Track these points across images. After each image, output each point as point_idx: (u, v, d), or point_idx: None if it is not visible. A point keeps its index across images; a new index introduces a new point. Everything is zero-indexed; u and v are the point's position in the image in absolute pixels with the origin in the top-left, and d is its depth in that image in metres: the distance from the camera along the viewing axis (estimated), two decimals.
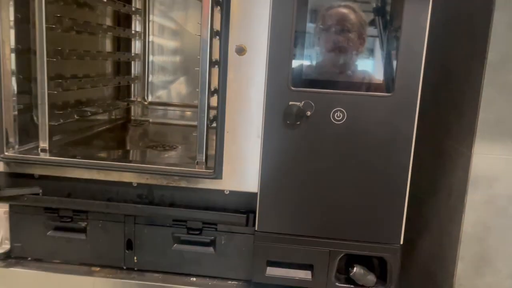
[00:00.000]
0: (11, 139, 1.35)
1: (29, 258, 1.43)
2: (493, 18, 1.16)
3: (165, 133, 2.09)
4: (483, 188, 1.24)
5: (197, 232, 1.34)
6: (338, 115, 1.18)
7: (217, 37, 1.23)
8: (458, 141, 1.33)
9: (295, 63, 1.18)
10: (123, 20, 2.05)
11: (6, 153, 1.32)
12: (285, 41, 1.16)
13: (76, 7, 1.67)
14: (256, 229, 1.27)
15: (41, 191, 1.36)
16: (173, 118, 2.16)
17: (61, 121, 1.51)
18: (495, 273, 1.27)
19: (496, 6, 1.15)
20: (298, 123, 1.19)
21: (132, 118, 2.19)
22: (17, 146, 1.37)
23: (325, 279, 1.27)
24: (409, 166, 1.19)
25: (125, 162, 1.37)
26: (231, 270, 1.35)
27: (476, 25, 1.26)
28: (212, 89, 1.29)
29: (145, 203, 1.34)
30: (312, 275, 1.27)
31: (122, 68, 2.10)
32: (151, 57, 2.15)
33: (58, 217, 1.39)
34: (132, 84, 2.17)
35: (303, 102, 1.18)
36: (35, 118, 1.42)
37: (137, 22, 2.12)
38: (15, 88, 1.34)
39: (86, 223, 1.38)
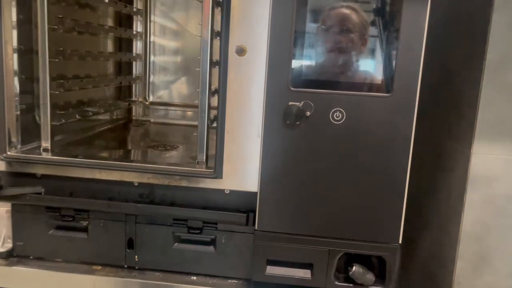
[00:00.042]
0: (14, 139, 1.35)
1: (31, 257, 1.43)
2: (492, 19, 1.16)
3: (166, 133, 2.09)
4: (482, 188, 1.24)
5: (198, 231, 1.35)
6: (337, 115, 1.18)
7: (218, 37, 1.24)
8: (457, 141, 1.33)
9: (295, 64, 1.19)
10: (124, 21, 2.06)
11: (8, 153, 1.33)
12: (284, 42, 1.17)
13: (78, 8, 1.68)
14: (256, 228, 1.28)
15: (43, 190, 1.37)
16: (174, 118, 2.17)
17: (63, 121, 1.52)
18: (494, 272, 1.27)
19: (495, 7, 1.16)
20: (298, 123, 1.19)
21: (134, 118, 2.20)
22: (19, 146, 1.37)
23: (325, 278, 1.27)
24: (407, 165, 1.19)
25: (127, 162, 1.37)
26: (231, 269, 1.36)
27: (475, 25, 1.26)
28: (213, 89, 1.30)
29: (146, 202, 1.35)
30: (312, 274, 1.28)
31: (123, 68, 2.11)
32: (152, 58, 2.16)
33: (59, 216, 1.39)
34: (134, 84, 2.18)
35: (302, 102, 1.18)
36: (37, 118, 1.42)
37: (139, 22, 2.13)
38: (18, 88, 1.35)
39: (87, 222, 1.39)
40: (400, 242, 1.24)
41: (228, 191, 1.30)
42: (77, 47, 1.62)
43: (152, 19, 2.13)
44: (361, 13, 1.18)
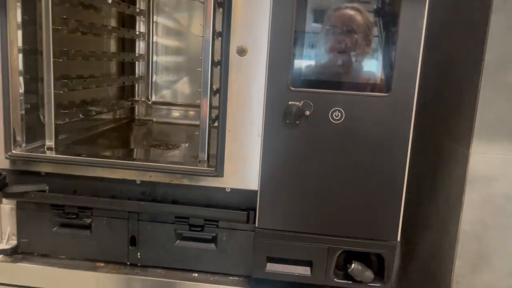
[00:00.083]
0: (19, 138, 1.37)
1: (35, 254, 1.45)
2: (490, 19, 1.17)
3: (169, 132, 2.11)
4: (481, 188, 1.24)
5: (199, 229, 1.36)
6: (337, 114, 1.19)
7: (219, 38, 1.25)
8: (457, 141, 1.34)
9: (295, 64, 1.20)
10: (127, 21, 2.07)
11: (13, 151, 1.34)
12: (285, 42, 1.18)
13: (82, 9, 1.69)
14: (256, 226, 1.28)
15: (47, 188, 1.38)
16: (176, 117, 2.19)
17: (67, 120, 1.53)
18: (492, 271, 1.28)
19: (494, 8, 1.16)
20: (298, 122, 1.20)
21: (136, 117, 2.21)
22: (24, 145, 1.39)
23: (324, 275, 1.28)
24: (405, 164, 1.20)
25: (129, 160, 1.39)
26: (232, 266, 1.37)
27: (474, 26, 1.27)
28: (214, 89, 1.31)
29: (148, 200, 1.36)
30: (311, 271, 1.29)
31: (126, 68, 2.12)
32: (155, 58, 2.17)
33: (63, 213, 1.41)
34: (136, 84, 2.19)
35: (302, 102, 1.19)
36: (41, 117, 1.44)
37: (141, 23, 2.14)
38: (23, 88, 1.36)
39: (91, 219, 1.40)
40: (398, 239, 1.24)
41: (229, 189, 1.31)
42: (81, 48, 1.63)
43: (154, 19, 2.14)
44: (365, 14, 1.18)
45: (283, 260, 1.30)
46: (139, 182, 1.36)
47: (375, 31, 1.20)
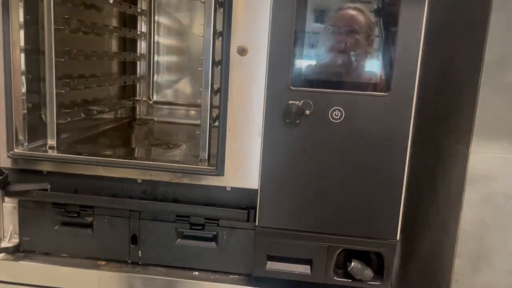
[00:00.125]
0: (20, 137, 1.38)
1: (37, 252, 1.45)
2: (490, 19, 1.17)
3: (170, 131, 2.11)
4: (481, 187, 1.24)
5: (200, 228, 1.37)
6: (336, 113, 1.20)
7: (220, 38, 1.26)
8: (456, 140, 1.34)
9: (295, 63, 1.20)
10: (129, 21, 2.08)
11: (15, 150, 1.35)
12: (285, 42, 1.18)
13: (84, 9, 1.70)
14: (256, 224, 1.29)
15: (49, 186, 1.39)
16: (177, 117, 2.19)
17: (69, 119, 1.54)
18: (491, 270, 1.28)
19: (494, 7, 1.17)
20: (298, 121, 1.21)
21: (138, 117, 2.22)
22: (26, 144, 1.40)
23: (324, 274, 1.29)
24: (405, 163, 1.20)
25: (130, 159, 1.39)
26: (232, 264, 1.37)
27: (474, 26, 1.27)
28: (215, 88, 1.32)
29: (149, 199, 1.37)
30: (311, 270, 1.29)
31: (127, 68, 2.13)
32: (156, 57, 2.18)
33: (65, 212, 1.41)
34: (138, 84, 2.20)
35: (302, 101, 1.20)
36: (43, 116, 1.45)
37: (143, 23, 2.15)
38: (25, 87, 1.37)
39: (92, 218, 1.41)
40: (398, 238, 1.25)
41: (230, 188, 1.32)
42: (83, 47, 1.64)
43: (156, 19, 2.15)
44: (364, 14, 1.19)
45: (283, 258, 1.31)
46: (140, 181, 1.36)
47: (375, 31, 1.20)
